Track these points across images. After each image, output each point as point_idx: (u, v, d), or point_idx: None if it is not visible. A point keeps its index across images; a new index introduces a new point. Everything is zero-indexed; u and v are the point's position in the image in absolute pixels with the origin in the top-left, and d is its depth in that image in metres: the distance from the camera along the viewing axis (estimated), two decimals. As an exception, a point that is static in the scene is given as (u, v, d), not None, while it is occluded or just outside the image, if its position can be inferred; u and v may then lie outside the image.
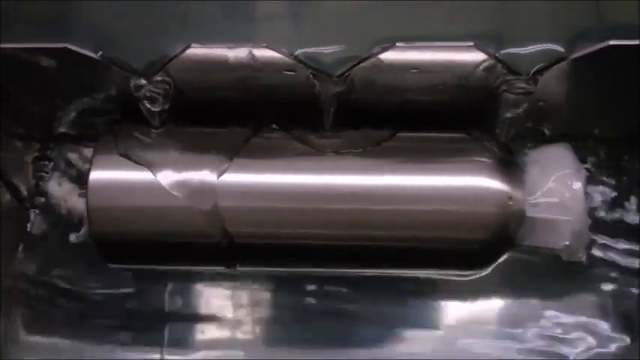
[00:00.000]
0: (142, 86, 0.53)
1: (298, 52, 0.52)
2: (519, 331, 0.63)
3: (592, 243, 0.61)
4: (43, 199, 0.64)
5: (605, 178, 0.63)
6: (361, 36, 0.53)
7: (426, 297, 0.64)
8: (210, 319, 0.64)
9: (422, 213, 0.55)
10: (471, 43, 0.51)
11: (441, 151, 0.56)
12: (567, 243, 0.55)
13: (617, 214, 0.63)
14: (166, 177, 0.55)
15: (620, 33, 0.50)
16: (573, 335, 0.63)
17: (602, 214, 0.63)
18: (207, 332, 0.64)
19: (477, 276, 0.60)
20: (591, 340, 0.62)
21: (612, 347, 0.62)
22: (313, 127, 0.57)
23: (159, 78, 0.52)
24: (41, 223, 0.64)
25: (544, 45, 0.51)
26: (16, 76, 0.54)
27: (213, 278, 0.64)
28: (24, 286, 0.65)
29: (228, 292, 0.65)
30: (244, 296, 0.65)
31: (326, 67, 0.53)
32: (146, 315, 0.64)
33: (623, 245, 0.63)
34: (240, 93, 0.55)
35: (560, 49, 0.51)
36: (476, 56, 0.52)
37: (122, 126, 0.57)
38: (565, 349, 0.62)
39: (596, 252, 0.62)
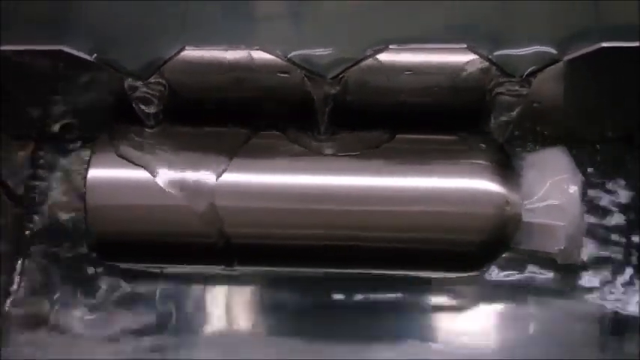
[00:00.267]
0: (136, 87, 0.53)
1: (292, 54, 0.53)
2: None
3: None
4: (38, 200, 0.65)
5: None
6: (361, 36, 0.53)
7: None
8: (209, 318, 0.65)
9: (419, 214, 0.55)
10: (464, 45, 0.51)
11: (438, 153, 0.56)
12: (562, 247, 0.55)
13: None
14: (164, 176, 0.55)
15: (619, 33, 0.49)
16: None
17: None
18: (205, 332, 0.64)
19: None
20: None
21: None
22: (309, 128, 0.57)
23: (153, 80, 0.53)
24: (38, 223, 0.65)
25: (539, 47, 0.51)
26: (12, 77, 0.54)
27: (212, 277, 0.64)
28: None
29: (225, 292, 0.65)
30: (242, 296, 0.65)
31: (320, 69, 0.53)
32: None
33: None
34: (235, 95, 0.55)
35: (554, 51, 0.50)
36: (469, 58, 0.51)
37: (120, 126, 0.58)
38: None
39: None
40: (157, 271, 0.64)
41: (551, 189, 0.55)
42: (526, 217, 0.55)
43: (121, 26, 0.54)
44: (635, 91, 0.54)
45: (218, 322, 0.64)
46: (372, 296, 0.63)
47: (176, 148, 0.56)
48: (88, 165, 0.56)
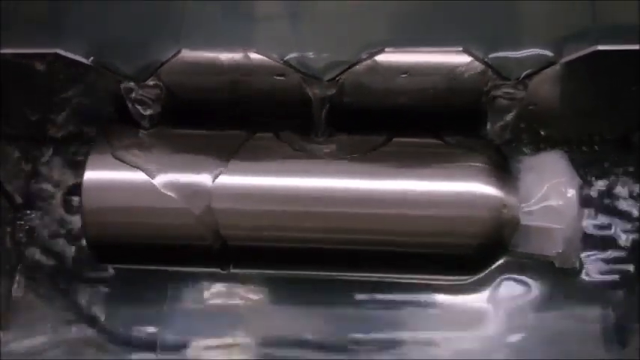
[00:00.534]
0: (132, 90, 0.53)
1: (289, 56, 0.53)
2: None
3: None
4: (36, 203, 0.65)
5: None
6: (361, 37, 0.53)
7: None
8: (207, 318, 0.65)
9: (416, 218, 0.55)
10: (460, 48, 0.51)
11: (435, 156, 0.56)
12: (560, 250, 0.55)
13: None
14: (161, 179, 0.55)
15: (618, 34, 0.49)
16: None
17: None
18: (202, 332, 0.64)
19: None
20: None
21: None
22: (306, 131, 0.57)
23: (150, 82, 0.53)
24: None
25: (535, 49, 0.51)
26: (10, 80, 0.54)
27: (208, 279, 0.64)
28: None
29: (223, 292, 0.65)
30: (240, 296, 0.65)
31: (317, 71, 0.53)
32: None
33: None
34: (231, 97, 0.55)
35: (550, 53, 0.50)
36: (465, 60, 0.51)
37: (116, 128, 0.58)
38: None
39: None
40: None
41: (549, 192, 0.54)
42: (524, 220, 0.54)
43: (121, 27, 0.54)
44: (630, 93, 0.54)
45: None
46: (372, 296, 0.64)
47: (173, 150, 0.56)
48: (84, 167, 0.56)
